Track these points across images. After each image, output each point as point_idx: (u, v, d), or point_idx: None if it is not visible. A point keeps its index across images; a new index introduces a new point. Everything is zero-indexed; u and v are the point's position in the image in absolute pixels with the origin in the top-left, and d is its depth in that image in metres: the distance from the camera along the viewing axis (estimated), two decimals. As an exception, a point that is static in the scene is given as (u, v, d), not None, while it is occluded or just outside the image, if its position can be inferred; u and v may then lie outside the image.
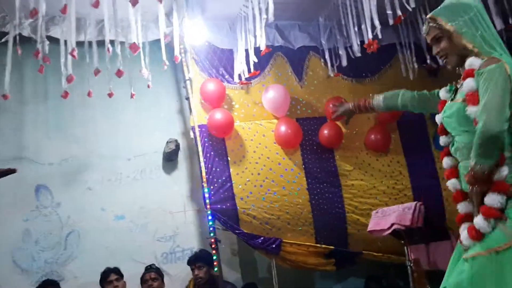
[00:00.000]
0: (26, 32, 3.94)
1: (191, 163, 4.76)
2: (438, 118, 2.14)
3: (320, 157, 4.67)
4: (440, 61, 2.13)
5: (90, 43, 3.58)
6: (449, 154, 2.11)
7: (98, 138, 4.58)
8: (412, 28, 4.71)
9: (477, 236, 1.84)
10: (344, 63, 4.49)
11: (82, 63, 3.58)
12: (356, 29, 4.09)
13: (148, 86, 3.86)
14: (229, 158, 4.42)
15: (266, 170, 4.48)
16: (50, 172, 4.43)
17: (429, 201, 4.19)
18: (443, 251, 3.97)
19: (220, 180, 4.33)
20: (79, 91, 3.99)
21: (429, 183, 4.75)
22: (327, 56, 4.64)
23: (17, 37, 3.53)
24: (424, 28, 2.11)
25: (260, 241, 4.33)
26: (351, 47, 4.25)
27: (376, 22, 3.67)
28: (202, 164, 4.31)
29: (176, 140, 4.67)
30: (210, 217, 4.23)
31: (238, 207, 4.31)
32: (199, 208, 4.64)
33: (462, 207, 2.02)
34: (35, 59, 3.45)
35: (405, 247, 3.64)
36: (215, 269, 4.14)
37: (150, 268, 4.17)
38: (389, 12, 3.70)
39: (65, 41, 3.51)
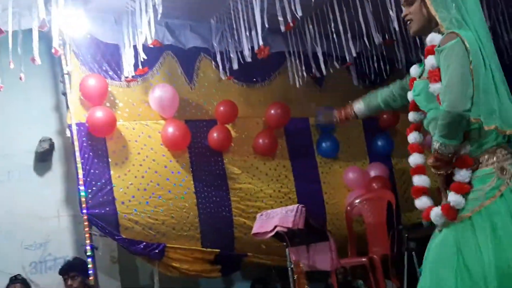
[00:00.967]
0: None
1: (67, 164, 4.42)
2: (409, 95, 2.15)
3: (208, 160, 4.62)
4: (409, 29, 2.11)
5: None
6: (417, 129, 2.13)
7: (-44, 134, 4.07)
8: (300, 37, 4.88)
9: (453, 214, 1.86)
10: (235, 66, 4.49)
11: None
12: (247, 33, 4.12)
13: (21, 78, 3.49)
14: (110, 160, 4.17)
15: (151, 173, 4.31)
16: None
17: (311, 204, 4.38)
18: (322, 252, 4.14)
19: (99, 183, 4.07)
20: None
21: (311, 187, 4.94)
22: (218, 59, 4.60)
23: None
24: None
25: (142, 246, 4.14)
26: (242, 51, 4.27)
27: (265, 28, 3.72)
28: (79, 165, 4.01)
29: (50, 139, 4.33)
30: (86, 223, 3.95)
31: (118, 212, 4.08)
32: (74, 213, 4.31)
33: (419, 180, 2.03)
34: None
35: (287, 249, 3.73)
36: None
37: (15, 279, 3.81)
38: (280, 19, 3.77)
39: None
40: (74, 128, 4.06)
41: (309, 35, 4.68)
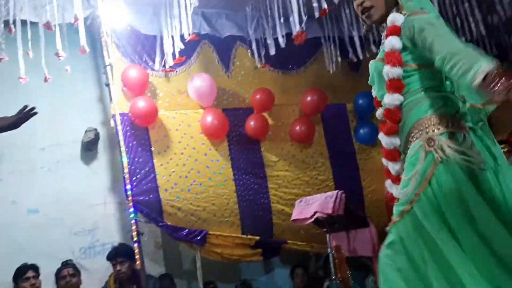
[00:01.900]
0: None
1: (112, 153, 4.53)
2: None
3: (246, 148, 4.67)
4: (365, 23, 1.91)
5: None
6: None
7: (9, 126, 4.23)
8: (336, 22, 4.83)
9: None
10: (272, 52, 4.49)
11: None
12: (282, 20, 4.11)
13: (67, 70, 3.62)
14: (152, 148, 4.28)
15: (192, 161, 4.40)
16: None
17: (349, 191, 4.37)
18: (362, 238, 4.14)
19: (143, 171, 4.19)
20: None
21: (349, 174, 4.92)
22: (254, 47, 4.62)
23: None
24: None
25: (184, 233, 4.25)
26: (276, 38, 4.27)
27: (303, 14, 3.71)
28: (124, 154, 4.13)
29: (95, 129, 4.43)
30: (132, 210, 4.07)
31: (162, 199, 4.20)
32: (120, 200, 4.45)
33: (394, 167, 1.86)
34: None
35: (327, 235, 3.75)
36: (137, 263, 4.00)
37: (66, 264, 3.93)
38: (315, 4, 3.75)
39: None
40: (118, 118, 4.18)
41: (345, 19, 4.64)
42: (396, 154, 1.85)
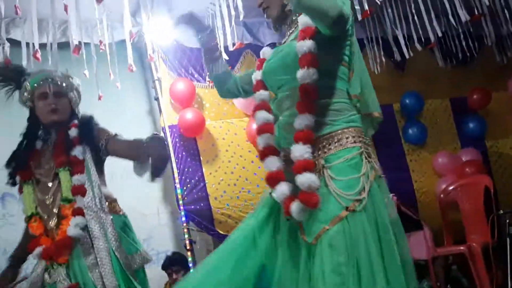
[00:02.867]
0: (-16, 35, 3.77)
1: (163, 164, 4.68)
2: (255, 76, 1.99)
3: (292, 154, 4.67)
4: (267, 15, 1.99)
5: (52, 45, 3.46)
6: (265, 108, 1.90)
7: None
8: (379, 22, 4.76)
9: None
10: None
11: (45, 66, 3.45)
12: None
13: (118, 87, 3.77)
14: (201, 158, 4.38)
15: (239, 169, 4.46)
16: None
17: (401, 193, 4.28)
18: (416, 241, 4.05)
19: (193, 181, 4.29)
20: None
21: (400, 176, 4.82)
22: (295, 53, 4.62)
23: (-24, 40, 3.40)
24: None
25: (235, 240, 4.30)
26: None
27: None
28: (174, 165, 4.25)
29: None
30: (184, 218, 4.18)
31: (212, 207, 4.27)
32: (172, 210, 4.57)
33: (271, 163, 1.82)
34: (-5, 62, 3.31)
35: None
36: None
37: (125, 273, 4.09)
38: (357, 7, 3.72)
39: (27, 44, 3.39)
40: (167, 130, 4.31)
41: (388, 19, 4.56)
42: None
